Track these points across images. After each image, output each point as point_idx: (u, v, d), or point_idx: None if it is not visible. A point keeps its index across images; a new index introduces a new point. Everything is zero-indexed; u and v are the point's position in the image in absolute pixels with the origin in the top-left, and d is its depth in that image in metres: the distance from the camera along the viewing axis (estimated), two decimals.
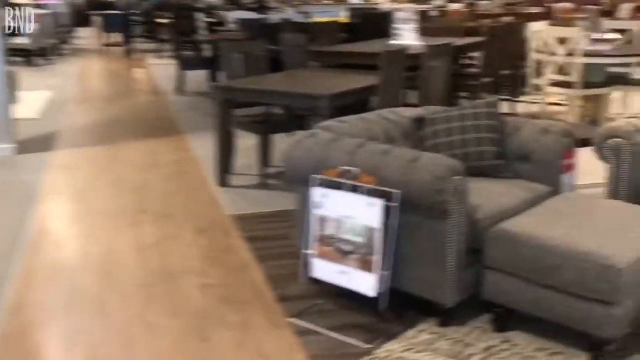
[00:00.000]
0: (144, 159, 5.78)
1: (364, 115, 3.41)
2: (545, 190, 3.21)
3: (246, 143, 5.22)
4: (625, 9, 13.17)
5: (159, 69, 11.53)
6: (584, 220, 2.76)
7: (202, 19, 11.50)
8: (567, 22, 8.30)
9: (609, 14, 13.38)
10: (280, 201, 4.46)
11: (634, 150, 3.28)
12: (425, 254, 2.75)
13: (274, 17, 10.39)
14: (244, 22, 9.56)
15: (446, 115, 3.38)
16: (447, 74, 5.04)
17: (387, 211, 2.70)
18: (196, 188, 4.91)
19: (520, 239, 2.64)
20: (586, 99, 6.40)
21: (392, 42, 5.89)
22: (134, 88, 9.77)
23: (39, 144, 6.23)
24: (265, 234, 3.94)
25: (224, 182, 4.90)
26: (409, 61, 4.73)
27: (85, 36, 17.60)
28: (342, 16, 10.62)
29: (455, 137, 3.30)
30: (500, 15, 9.71)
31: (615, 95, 6.89)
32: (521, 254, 2.63)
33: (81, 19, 18.13)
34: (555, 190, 3.25)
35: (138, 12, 16.72)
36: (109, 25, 13.96)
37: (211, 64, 9.10)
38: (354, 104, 4.92)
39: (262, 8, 13.89)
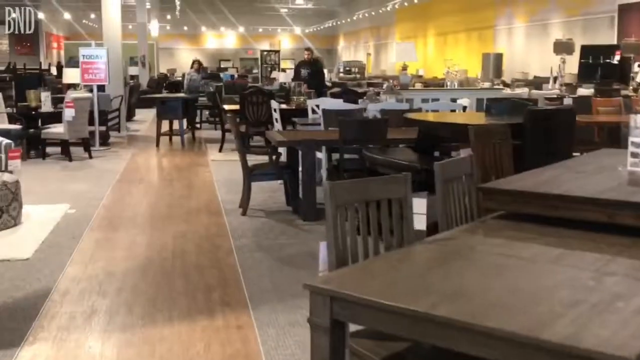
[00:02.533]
0: None
1: None
2: None
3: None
4: None
5: (224, 168, 9.05)
6: None
7: (276, 106, 9.02)
8: None
9: None
10: None
11: None
12: None
13: (372, 108, 7.81)
14: (333, 115, 6.98)
15: None
16: None
17: None
18: None
19: None
20: None
21: (627, 168, 3.16)
22: (184, 201, 7.16)
23: None
24: None
25: None
26: None
27: (148, 119, 15.67)
28: (464, 107, 8.01)
29: None
30: None
31: None
32: None
33: (142, 100, 16.16)
34: None
35: (203, 94, 14.60)
36: (165, 111, 11.50)
37: (288, 172, 6.54)
38: None
39: (348, 93, 11.34)
